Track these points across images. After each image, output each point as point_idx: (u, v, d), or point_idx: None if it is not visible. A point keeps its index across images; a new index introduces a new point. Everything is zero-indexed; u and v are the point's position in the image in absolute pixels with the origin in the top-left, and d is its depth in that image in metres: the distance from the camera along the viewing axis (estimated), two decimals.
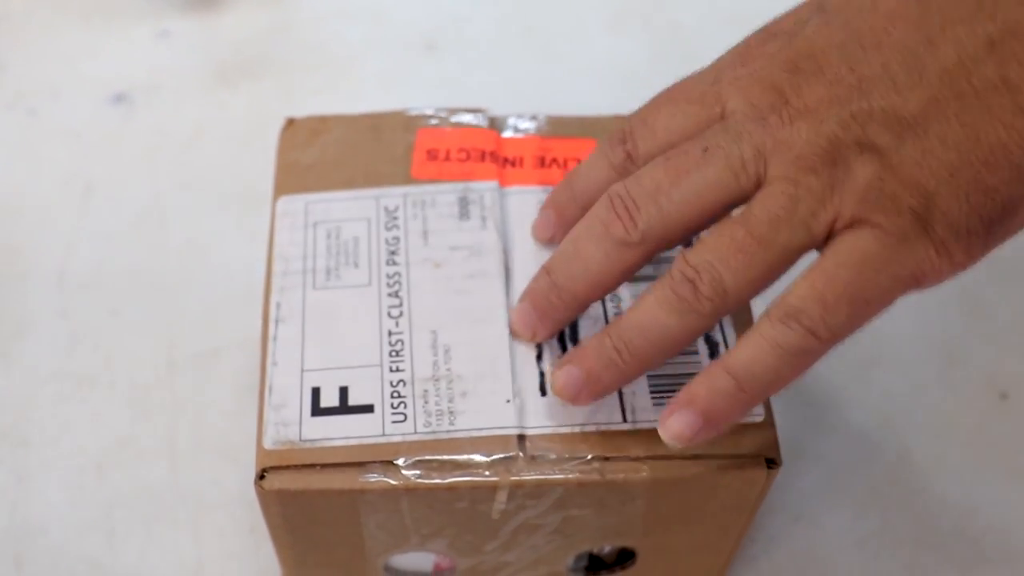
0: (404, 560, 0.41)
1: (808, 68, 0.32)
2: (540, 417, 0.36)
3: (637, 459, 0.35)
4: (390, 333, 0.38)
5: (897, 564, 0.46)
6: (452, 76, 0.63)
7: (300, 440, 0.36)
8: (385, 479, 0.35)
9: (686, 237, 0.34)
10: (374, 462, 0.35)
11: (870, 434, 0.50)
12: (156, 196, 0.57)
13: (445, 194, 0.41)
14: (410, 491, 0.35)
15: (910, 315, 0.54)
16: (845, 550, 0.47)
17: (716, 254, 0.32)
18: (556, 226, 0.39)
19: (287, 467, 0.35)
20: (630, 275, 0.35)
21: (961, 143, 0.30)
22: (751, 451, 0.36)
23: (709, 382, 0.33)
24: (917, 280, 0.31)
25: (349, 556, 0.40)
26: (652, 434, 0.35)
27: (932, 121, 0.30)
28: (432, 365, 0.37)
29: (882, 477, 0.49)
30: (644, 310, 0.34)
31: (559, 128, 0.44)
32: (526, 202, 0.41)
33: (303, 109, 0.45)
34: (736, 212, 0.33)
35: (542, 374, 0.37)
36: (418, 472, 0.35)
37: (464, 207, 0.41)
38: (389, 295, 0.39)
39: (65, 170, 0.58)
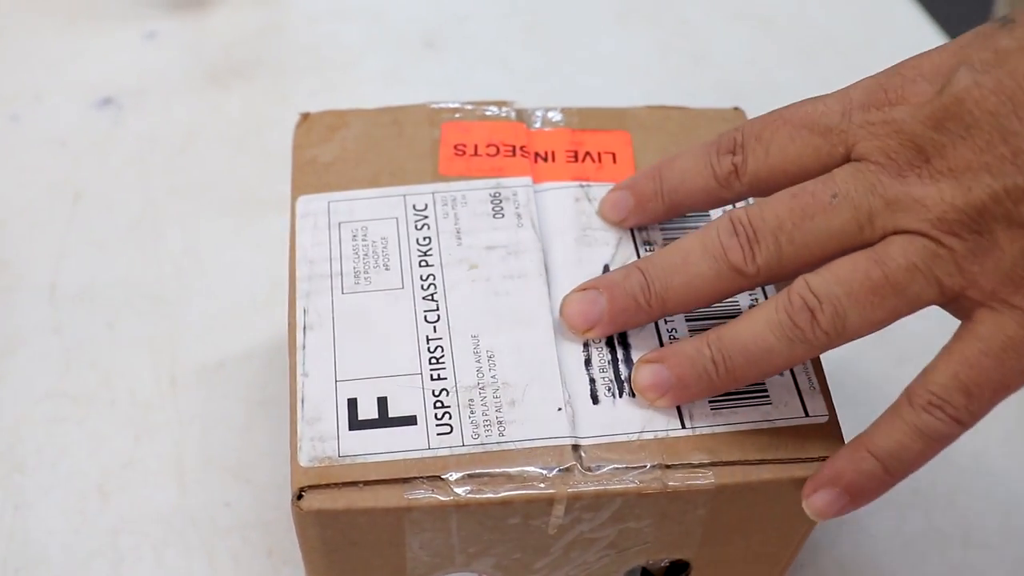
0: None
1: (955, 129, 0.31)
2: (594, 426, 0.34)
3: (700, 465, 0.34)
4: (428, 339, 0.36)
5: (946, 565, 0.45)
6: (453, 75, 0.61)
7: (339, 456, 0.33)
8: (434, 495, 0.33)
9: (795, 275, 0.33)
10: (420, 478, 0.33)
11: None
12: (149, 203, 0.55)
13: (477, 191, 0.39)
14: (461, 508, 0.33)
15: (941, 312, 0.52)
16: (892, 553, 0.45)
17: (846, 288, 0.31)
18: (632, 213, 0.38)
19: (327, 486, 0.33)
20: (724, 299, 0.35)
21: None
22: (818, 453, 0.34)
23: (855, 464, 0.32)
24: None
25: None
26: (712, 439, 0.34)
27: None
28: (476, 372, 0.35)
29: (924, 477, 0.46)
30: (752, 329, 0.33)
31: (590, 120, 0.42)
32: (561, 198, 0.39)
33: (300, 111, 0.42)
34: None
35: (592, 380, 0.35)
36: (469, 488, 0.33)
37: (498, 204, 0.39)
38: (424, 298, 0.37)
39: (52, 178, 0.55)
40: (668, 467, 0.33)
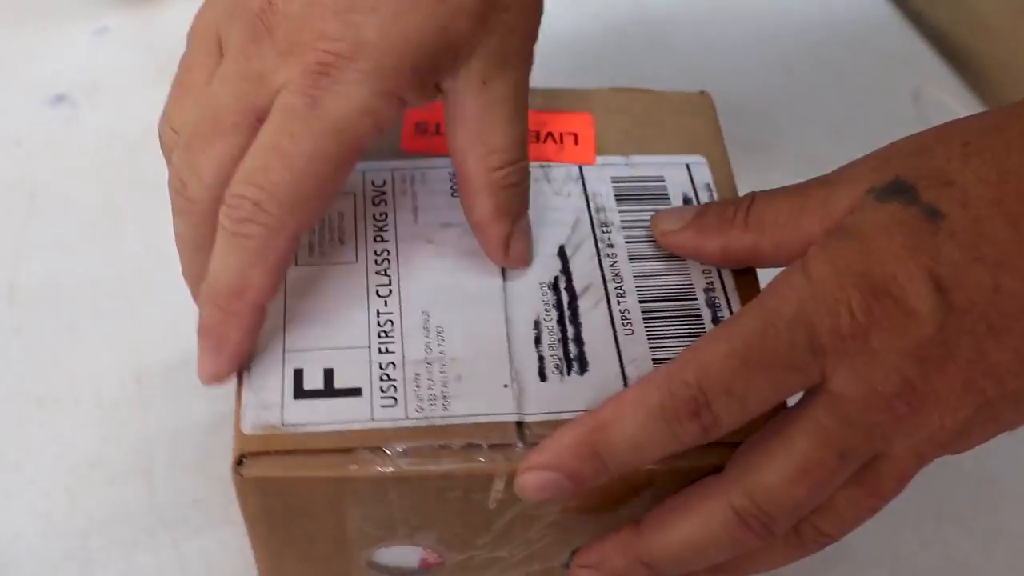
0: (389, 555, 0.38)
1: (937, 355, 0.30)
2: (539, 403, 0.34)
3: None
4: (379, 313, 0.36)
5: (918, 538, 0.45)
6: None
7: (282, 425, 0.33)
8: (374, 467, 0.33)
9: None
10: (362, 448, 0.33)
11: None
12: (107, 200, 0.54)
13: (436, 169, 0.39)
14: (401, 480, 0.33)
15: None
16: (864, 528, 0.44)
17: (851, 525, 0.34)
18: (570, 493, 0.33)
19: (268, 453, 0.33)
20: None
21: None
22: None
23: None
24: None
25: (331, 551, 0.37)
26: None
27: None
28: (424, 347, 0.35)
29: None
30: (767, 556, 0.35)
31: (553, 101, 0.42)
32: None
33: None
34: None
35: (541, 358, 0.35)
36: (410, 460, 0.33)
37: (456, 183, 0.38)
38: (377, 273, 0.37)
39: (7, 177, 0.54)
40: None
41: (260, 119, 0.33)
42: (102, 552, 0.43)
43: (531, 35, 0.36)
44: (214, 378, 0.34)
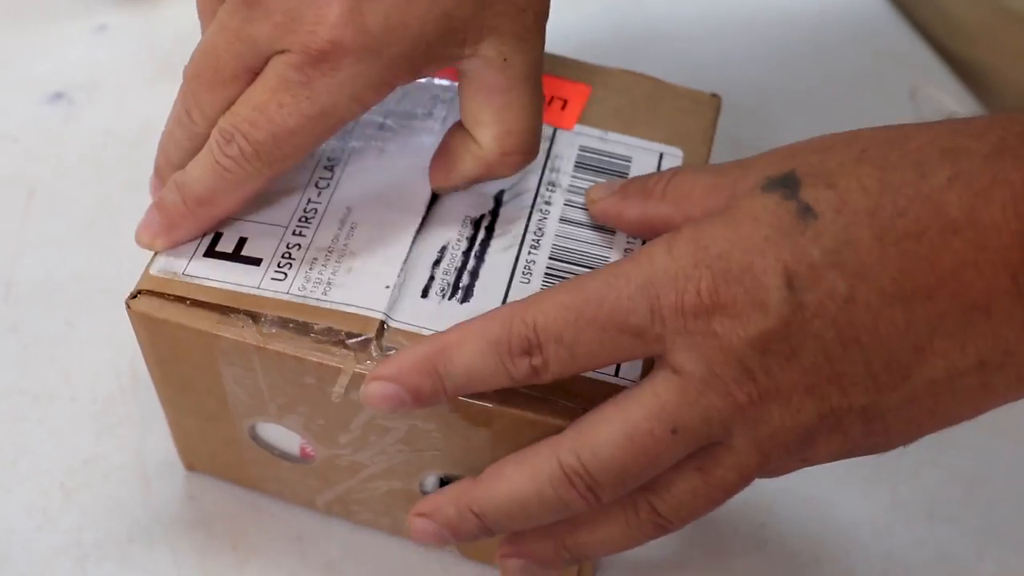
0: (270, 432, 0.41)
1: (779, 351, 0.30)
2: (409, 314, 0.36)
3: None
4: (309, 201, 0.39)
5: (911, 539, 0.45)
6: None
7: (182, 274, 0.37)
8: (241, 330, 0.36)
9: None
10: (239, 311, 0.36)
11: None
12: (105, 198, 0.54)
13: (420, 88, 0.42)
14: (260, 350, 0.36)
15: None
16: (857, 527, 0.45)
17: (688, 511, 0.33)
18: (410, 406, 0.33)
19: (160, 295, 0.37)
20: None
21: (924, 423, 0.32)
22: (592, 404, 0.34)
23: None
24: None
25: (216, 409, 0.40)
26: None
27: (905, 410, 0.31)
28: (333, 238, 0.38)
29: (889, 452, 0.47)
30: (610, 535, 0.35)
31: (559, 68, 0.44)
32: None
33: None
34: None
35: (432, 278, 0.37)
36: (274, 331, 0.36)
37: (432, 106, 0.41)
38: (324, 167, 0.40)
39: (5, 174, 0.54)
40: None
41: (255, 72, 0.35)
42: (96, 548, 0.43)
43: (543, 13, 0.37)
44: (148, 247, 0.38)
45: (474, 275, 0.38)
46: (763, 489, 0.45)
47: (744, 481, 0.33)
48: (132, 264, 0.51)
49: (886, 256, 0.29)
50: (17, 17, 0.61)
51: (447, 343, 0.33)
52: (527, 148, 0.37)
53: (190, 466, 0.45)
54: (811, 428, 0.31)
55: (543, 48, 0.37)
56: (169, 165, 0.38)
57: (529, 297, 0.33)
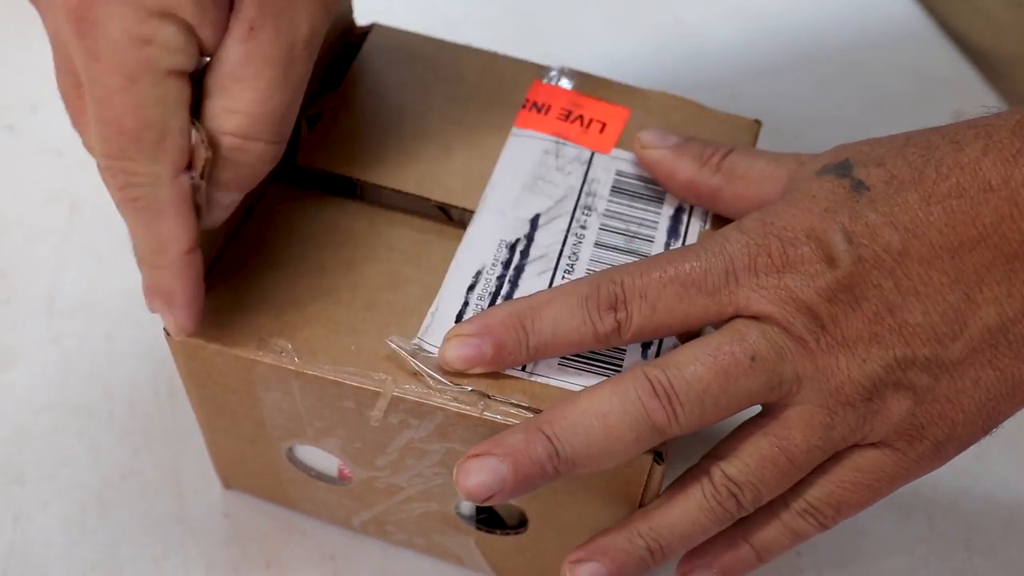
0: (307, 455, 0.41)
1: (846, 300, 0.33)
2: (441, 338, 0.36)
3: (518, 406, 0.35)
4: None
5: (947, 569, 0.45)
6: None
7: None
8: (279, 356, 0.36)
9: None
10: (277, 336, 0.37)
11: None
12: None
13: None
14: (298, 375, 0.36)
15: None
16: (893, 557, 0.45)
17: (759, 476, 0.34)
18: (488, 363, 0.35)
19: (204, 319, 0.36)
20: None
21: (992, 384, 0.33)
22: None
23: (735, 554, 0.37)
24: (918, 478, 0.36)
25: (254, 432, 0.40)
26: (543, 389, 0.35)
27: (969, 367, 0.33)
28: None
29: (926, 481, 0.46)
30: (685, 516, 0.35)
31: (599, 89, 0.44)
32: (532, 146, 0.42)
33: None
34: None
35: (466, 303, 0.37)
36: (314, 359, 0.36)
37: None
38: None
39: (48, 188, 0.55)
40: (490, 398, 0.35)
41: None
42: (131, 563, 0.43)
43: None
44: (182, 331, 0.36)
45: (508, 300, 0.37)
46: None
47: (806, 442, 0.34)
48: None
49: (932, 214, 0.32)
50: None
51: (536, 301, 0.35)
52: (252, 133, 0.33)
53: (227, 484, 0.45)
54: (876, 380, 0.33)
55: (312, 36, 0.33)
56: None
57: (614, 267, 0.35)
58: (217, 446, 0.43)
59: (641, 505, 0.37)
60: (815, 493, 0.35)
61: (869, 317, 0.33)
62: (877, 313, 0.33)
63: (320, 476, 0.41)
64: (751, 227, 0.34)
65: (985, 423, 0.34)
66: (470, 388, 0.35)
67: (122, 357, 0.49)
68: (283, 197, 0.41)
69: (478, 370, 0.35)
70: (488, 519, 0.41)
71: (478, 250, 0.39)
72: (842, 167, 0.34)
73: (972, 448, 0.47)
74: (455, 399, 0.35)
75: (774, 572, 0.43)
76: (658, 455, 0.35)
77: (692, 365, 0.33)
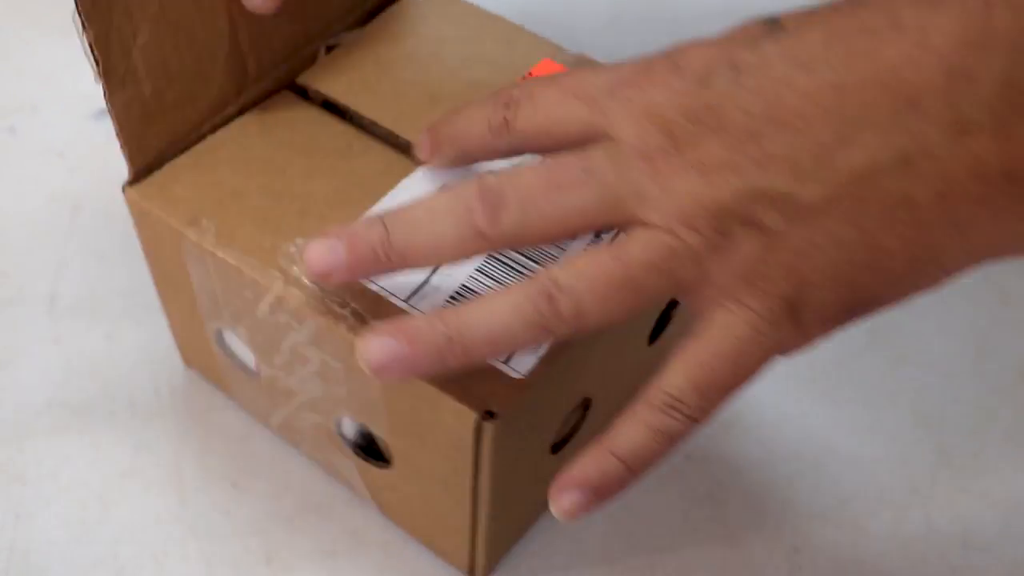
0: (232, 341, 0.43)
1: (709, 123, 0.31)
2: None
3: None
4: None
5: (945, 567, 0.45)
6: None
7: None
8: (203, 234, 0.38)
9: (538, 245, 0.35)
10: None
11: (905, 433, 0.48)
12: None
13: None
14: (211, 255, 0.38)
15: (936, 309, 0.52)
16: (890, 554, 0.45)
17: (586, 282, 0.32)
18: (429, 153, 0.39)
19: (159, 184, 0.41)
20: (466, 260, 0.34)
21: (851, 244, 0.30)
22: (479, 396, 0.35)
23: (599, 466, 0.33)
24: (780, 353, 0.32)
25: (191, 309, 0.43)
26: None
27: (827, 217, 0.30)
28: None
29: (921, 477, 0.47)
30: (492, 312, 0.33)
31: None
32: None
33: None
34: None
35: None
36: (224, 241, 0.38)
37: None
38: None
39: (50, 189, 0.55)
40: (362, 318, 0.36)
41: None
42: (132, 560, 0.44)
43: None
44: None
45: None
46: (797, 514, 0.45)
47: (648, 268, 0.31)
48: None
49: (832, 48, 0.29)
50: (64, 33, 0.62)
51: (459, 109, 0.38)
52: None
53: (186, 362, 0.49)
54: (724, 207, 0.30)
55: None
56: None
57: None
58: (172, 319, 0.46)
59: (476, 463, 0.36)
60: (671, 380, 0.32)
61: (730, 143, 0.30)
62: (740, 140, 0.30)
63: (241, 366, 0.43)
64: (659, 53, 0.33)
65: (843, 294, 0.31)
66: (349, 309, 0.36)
67: (123, 357, 0.50)
68: (284, 104, 0.44)
69: (340, 276, 0.35)
70: (365, 448, 0.42)
71: (415, 189, 0.40)
72: (773, 16, 0.32)
73: (970, 446, 0.48)
74: (328, 311, 0.36)
75: (771, 570, 0.44)
76: (488, 413, 0.34)
77: (526, 174, 0.33)
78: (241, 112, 0.43)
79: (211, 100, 0.42)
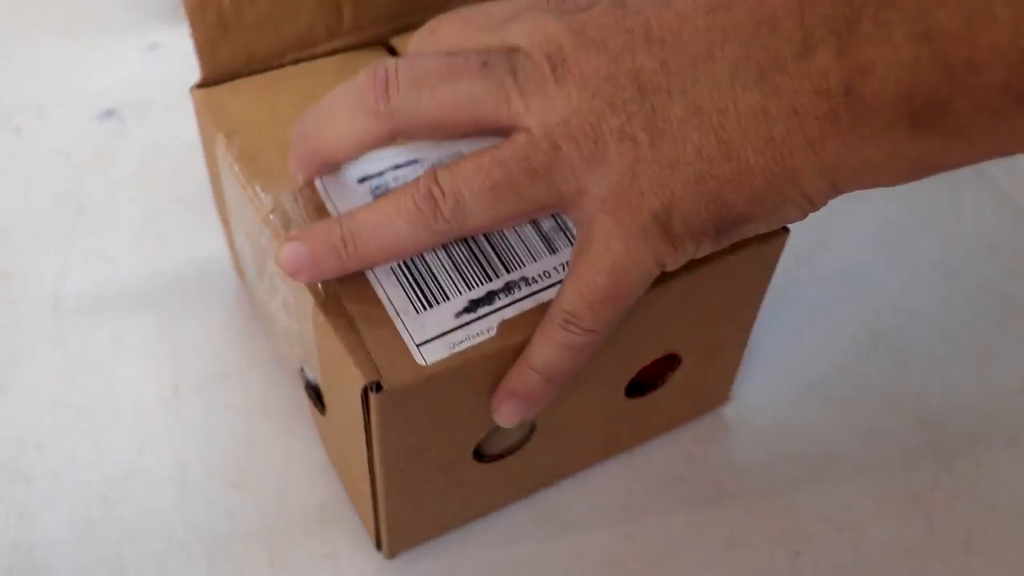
0: (243, 253, 0.46)
1: (592, 37, 0.33)
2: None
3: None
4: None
5: (947, 572, 0.44)
6: None
7: None
8: (227, 144, 0.41)
9: (429, 136, 0.35)
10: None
11: (907, 438, 0.48)
12: (152, 214, 0.55)
13: None
14: (231, 167, 0.41)
15: (937, 313, 0.53)
16: (892, 559, 0.45)
17: (468, 186, 0.34)
18: (295, 170, 0.39)
19: (220, 94, 0.43)
20: (369, 148, 0.36)
21: (713, 157, 0.32)
22: (380, 367, 0.35)
23: (523, 379, 0.36)
24: (660, 267, 0.34)
25: (225, 212, 0.46)
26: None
27: (692, 130, 0.32)
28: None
29: (924, 482, 0.47)
30: (381, 212, 0.35)
31: None
32: None
33: None
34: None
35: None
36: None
37: None
38: None
39: (55, 190, 0.56)
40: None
41: None
42: (135, 560, 0.44)
43: None
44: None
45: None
46: (798, 518, 0.45)
47: (528, 173, 0.33)
48: (176, 280, 0.52)
49: None
50: (70, 35, 0.63)
51: (314, 117, 0.37)
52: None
53: (235, 266, 0.51)
54: (601, 117, 0.32)
55: None
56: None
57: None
58: (223, 222, 0.49)
59: (368, 431, 0.37)
60: (566, 298, 0.34)
61: (610, 58, 0.32)
62: (619, 55, 0.32)
63: (251, 279, 0.46)
64: None
65: (711, 209, 0.33)
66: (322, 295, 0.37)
67: (126, 357, 0.50)
68: (370, 59, 0.45)
69: (304, 276, 0.36)
70: (316, 394, 0.43)
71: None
72: None
73: (972, 449, 0.48)
74: (305, 292, 0.37)
75: (772, 574, 0.44)
76: (377, 385, 0.35)
77: (426, 58, 0.34)
78: (328, 55, 0.45)
79: (297, 34, 0.44)
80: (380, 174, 0.39)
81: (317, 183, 0.39)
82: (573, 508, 0.45)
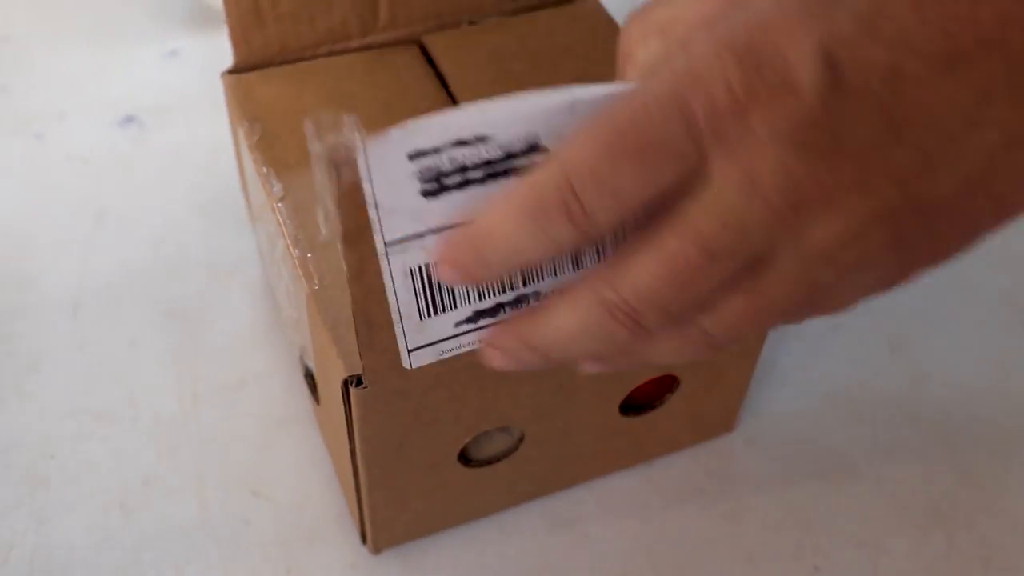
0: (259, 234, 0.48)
1: (820, 142, 0.26)
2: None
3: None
4: None
5: None
6: None
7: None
8: (248, 130, 0.42)
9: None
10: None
11: (927, 452, 0.48)
12: (172, 220, 0.55)
13: None
14: (250, 150, 0.42)
15: (958, 328, 0.52)
16: (911, 575, 0.45)
17: (737, 331, 0.30)
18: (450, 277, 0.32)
19: (250, 82, 0.44)
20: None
21: (984, 211, 0.28)
22: (364, 364, 0.35)
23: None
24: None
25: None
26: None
27: (963, 196, 0.27)
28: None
29: (943, 497, 0.47)
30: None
31: None
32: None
33: None
34: None
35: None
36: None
37: None
38: None
39: (76, 196, 0.56)
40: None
41: None
42: (153, 567, 0.44)
43: None
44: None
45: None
46: (817, 532, 0.45)
47: (789, 299, 0.29)
48: (196, 286, 0.53)
49: (925, 19, 0.25)
50: (90, 41, 0.63)
51: (481, 232, 0.29)
52: None
53: None
54: (863, 235, 0.27)
55: None
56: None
57: (548, 155, 0.29)
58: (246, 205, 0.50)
59: (350, 425, 0.37)
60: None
61: (854, 161, 0.26)
62: (864, 155, 0.26)
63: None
64: (702, 52, 0.26)
65: (968, 241, 0.29)
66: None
67: (146, 364, 0.50)
68: (403, 56, 0.46)
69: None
70: (313, 384, 0.43)
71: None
72: None
73: (991, 466, 0.47)
74: (292, 239, 0.38)
75: None
76: (357, 380, 0.35)
77: (645, 279, 0.29)
78: (362, 51, 0.46)
79: (331, 27, 0.45)
80: (437, 151, 0.33)
81: (360, 155, 0.33)
82: (589, 517, 0.45)
